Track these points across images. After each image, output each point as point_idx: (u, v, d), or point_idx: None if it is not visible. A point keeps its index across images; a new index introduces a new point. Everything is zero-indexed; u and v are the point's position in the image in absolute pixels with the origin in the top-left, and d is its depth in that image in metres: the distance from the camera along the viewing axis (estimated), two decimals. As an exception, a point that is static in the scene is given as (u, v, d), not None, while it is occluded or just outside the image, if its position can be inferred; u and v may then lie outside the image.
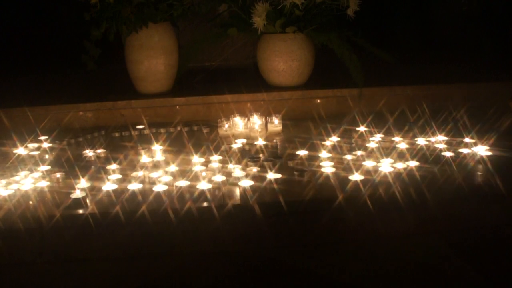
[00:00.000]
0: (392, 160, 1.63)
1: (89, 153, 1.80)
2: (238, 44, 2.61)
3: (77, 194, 1.44)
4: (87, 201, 1.43)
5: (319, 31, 2.22)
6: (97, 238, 1.38)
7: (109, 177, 1.56)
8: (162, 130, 2.11)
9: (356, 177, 1.49)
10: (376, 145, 1.79)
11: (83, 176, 1.57)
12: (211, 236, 1.40)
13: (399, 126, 1.98)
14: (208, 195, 1.44)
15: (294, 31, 2.24)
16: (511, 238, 1.44)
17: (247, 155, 1.75)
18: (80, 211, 1.39)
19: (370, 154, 1.71)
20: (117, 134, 2.08)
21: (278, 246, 1.40)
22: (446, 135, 1.88)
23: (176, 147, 1.86)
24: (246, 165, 1.63)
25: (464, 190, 1.48)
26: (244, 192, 1.45)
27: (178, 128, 2.12)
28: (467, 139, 1.82)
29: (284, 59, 2.27)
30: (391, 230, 1.45)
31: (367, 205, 1.40)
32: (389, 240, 1.43)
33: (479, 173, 1.57)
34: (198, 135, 2.06)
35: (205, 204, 1.40)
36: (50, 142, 1.96)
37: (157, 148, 1.83)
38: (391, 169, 1.56)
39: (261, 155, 1.72)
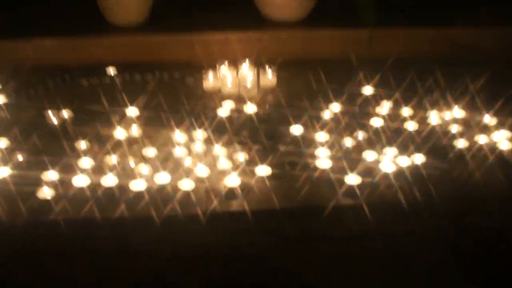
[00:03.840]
0: (395, 152, 1.49)
1: (52, 116, 1.62)
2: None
3: (45, 193, 1.34)
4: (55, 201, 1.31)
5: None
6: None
7: (79, 163, 1.43)
8: (137, 78, 1.90)
9: (353, 179, 1.38)
10: (381, 122, 1.62)
11: (47, 155, 1.42)
12: (195, 240, 1.34)
13: (412, 86, 1.76)
14: (192, 196, 1.34)
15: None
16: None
17: (235, 126, 1.59)
18: (48, 215, 1.27)
19: (372, 137, 1.55)
20: (84, 82, 1.87)
21: (267, 247, 1.37)
22: (464, 108, 1.66)
23: (155, 111, 1.64)
24: (234, 149, 1.49)
25: (480, 193, 1.38)
26: (231, 192, 1.35)
27: (157, 75, 1.90)
28: (487, 118, 1.62)
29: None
30: (386, 231, 1.41)
31: (363, 210, 1.32)
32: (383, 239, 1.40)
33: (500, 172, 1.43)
34: (179, 89, 1.82)
35: (189, 207, 1.30)
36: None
37: (133, 114, 1.65)
38: (393, 167, 1.43)
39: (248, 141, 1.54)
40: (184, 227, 1.30)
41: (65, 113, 1.64)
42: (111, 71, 1.90)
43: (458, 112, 1.67)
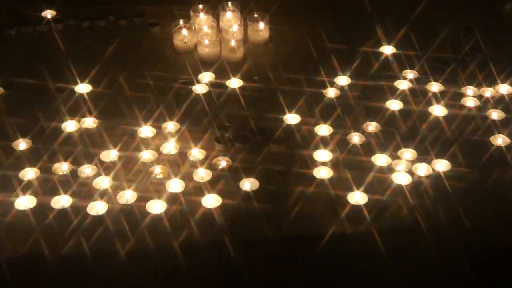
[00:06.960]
0: (413, 154, 1.23)
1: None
2: None
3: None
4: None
5: None
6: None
7: (21, 175, 1.16)
8: (85, 25, 1.53)
9: (358, 197, 1.16)
10: (399, 105, 1.33)
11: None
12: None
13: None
14: (166, 221, 1.12)
15: None
16: None
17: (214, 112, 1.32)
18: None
19: (387, 128, 1.28)
20: (13, 32, 1.51)
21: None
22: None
23: (110, 87, 1.35)
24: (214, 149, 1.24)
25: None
26: (209, 213, 1.14)
27: (111, 19, 1.54)
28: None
29: None
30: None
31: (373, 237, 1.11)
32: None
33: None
34: (143, 46, 1.50)
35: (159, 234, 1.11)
36: None
37: (84, 91, 1.34)
38: (409, 178, 1.19)
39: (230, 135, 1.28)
40: (154, 259, 1.12)
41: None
42: (48, 14, 1.54)
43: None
